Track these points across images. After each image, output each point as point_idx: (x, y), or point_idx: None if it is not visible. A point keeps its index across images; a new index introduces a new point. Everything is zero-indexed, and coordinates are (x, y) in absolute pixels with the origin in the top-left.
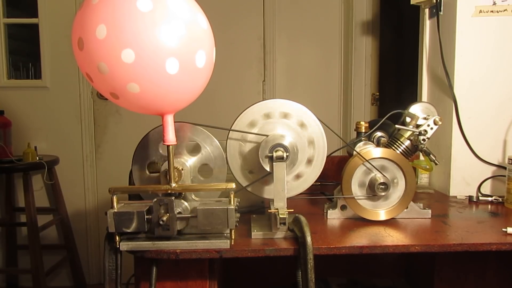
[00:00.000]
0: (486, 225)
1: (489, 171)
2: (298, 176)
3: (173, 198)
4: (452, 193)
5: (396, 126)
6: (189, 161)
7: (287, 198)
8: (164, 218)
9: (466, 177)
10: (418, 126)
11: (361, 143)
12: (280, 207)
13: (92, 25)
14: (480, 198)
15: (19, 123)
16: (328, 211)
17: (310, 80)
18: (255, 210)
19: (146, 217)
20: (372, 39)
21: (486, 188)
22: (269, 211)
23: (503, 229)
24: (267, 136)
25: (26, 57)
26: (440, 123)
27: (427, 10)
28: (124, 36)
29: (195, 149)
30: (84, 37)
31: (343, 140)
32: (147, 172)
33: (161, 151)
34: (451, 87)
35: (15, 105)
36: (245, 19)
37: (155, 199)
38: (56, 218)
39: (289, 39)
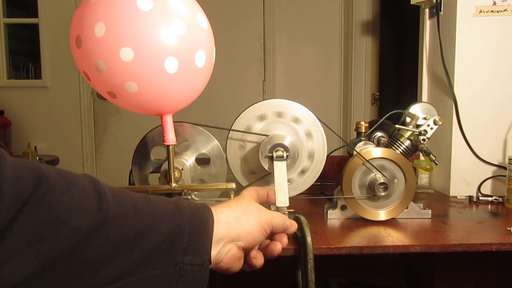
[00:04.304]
0: (486, 225)
1: (489, 171)
2: (303, 172)
3: (190, 198)
4: (452, 193)
5: (396, 126)
6: (189, 161)
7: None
8: None
9: (466, 177)
10: (418, 126)
11: (361, 143)
12: (281, 204)
13: (91, 23)
14: (480, 198)
15: (19, 123)
16: (328, 211)
17: (310, 80)
18: None
19: None
20: (372, 39)
21: (486, 188)
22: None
23: (508, 228)
24: (267, 136)
25: (26, 57)
26: (440, 123)
27: (427, 10)
28: (123, 34)
29: (195, 149)
30: (82, 35)
31: (343, 140)
32: (147, 172)
33: (152, 158)
34: (451, 87)
35: (15, 105)
36: (245, 19)
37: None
38: None
39: (289, 39)
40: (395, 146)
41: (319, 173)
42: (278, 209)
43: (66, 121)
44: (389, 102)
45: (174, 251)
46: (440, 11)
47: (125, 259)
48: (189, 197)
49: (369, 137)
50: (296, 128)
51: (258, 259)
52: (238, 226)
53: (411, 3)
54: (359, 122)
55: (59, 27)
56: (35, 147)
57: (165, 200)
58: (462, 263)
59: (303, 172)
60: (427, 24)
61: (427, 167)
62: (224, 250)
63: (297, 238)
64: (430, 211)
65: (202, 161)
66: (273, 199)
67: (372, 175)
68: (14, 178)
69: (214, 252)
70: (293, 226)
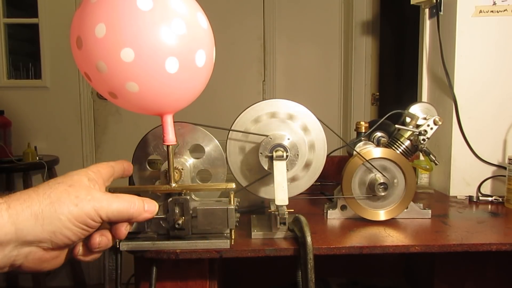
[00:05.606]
0: (486, 225)
1: (489, 171)
2: (293, 179)
3: (188, 197)
4: (452, 193)
5: (396, 126)
6: (189, 161)
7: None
8: (180, 222)
9: (466, 177)
10: (418, 126)
11: (361, 143)
12: (281, 203)
13: (91, 23)
14: (480, 198)
15: (19, 123)
16: (328, 211)
17: (310, 80)
18: (255, 210)
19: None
20: (372, 39)
21: (486, 188)
22: (269, 210)
23: None
24: (267, 136)
25: (26, 57)
26: (440, 123)
27: (427, 10)
28: (124, 35)
29: (195, 149)
30: (83, 35)
31: (343, 140)
32: (147, 172)
33: (152, 158)
34: (451, 87)
35: (15, 105)
36: (245, 20)
37: (171, 199)
38: None
39: (289, 39)
40: (395, 146)
41: (314, 180)
42: (277, 207)
43: (66, 121)
44: (389, 102)
45: None
46: (440, 11)
47: None
48: (188, 197)
49: (369, 137)
50: (300, 133)
51: (86, 256)
52: (36, 227)
53: (411, 3)
54: (359, 122)
55: (59, 27)
56: (35, 147)
57: None
58: (462, 263)
59: (298, 176)
60: (427, 24)
61: (427, 167)
62: (16, 254)
63: (297, 238)
64: (430, 211)
65: (202, 161)
66: (130, 170)
67: (372, 175)
68: None
69: None
70: (148, 211)
